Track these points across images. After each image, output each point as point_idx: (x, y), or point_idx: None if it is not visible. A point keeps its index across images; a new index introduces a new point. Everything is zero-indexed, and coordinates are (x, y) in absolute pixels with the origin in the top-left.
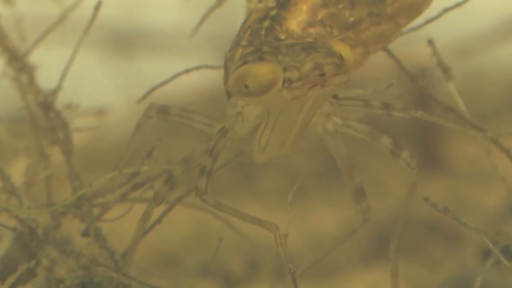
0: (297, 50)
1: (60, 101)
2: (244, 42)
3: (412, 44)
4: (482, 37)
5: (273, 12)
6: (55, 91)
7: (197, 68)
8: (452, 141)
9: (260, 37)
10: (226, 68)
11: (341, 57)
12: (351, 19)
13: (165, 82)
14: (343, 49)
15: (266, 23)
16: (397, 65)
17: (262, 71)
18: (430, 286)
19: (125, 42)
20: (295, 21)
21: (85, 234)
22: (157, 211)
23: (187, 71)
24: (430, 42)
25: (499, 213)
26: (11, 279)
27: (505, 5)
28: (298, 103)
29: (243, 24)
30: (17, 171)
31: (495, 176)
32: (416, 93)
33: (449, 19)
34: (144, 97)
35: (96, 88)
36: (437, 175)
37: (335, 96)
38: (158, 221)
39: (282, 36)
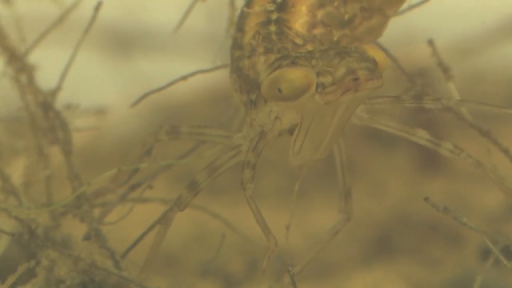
0: (331, 55)
1: (60, 101)
2: (261, 49)
3: (412, 44)
4: (482, 37)
5: (274, 16)
6: (55, 91)
7: (193, 74)
8: (452, 141)
9: (275, 43)
10: (243, 76)
11: (374, 61)
12: (346, 16)
13: (160, 89)
14: (377, 53)
15: (273, 28)
16: (395, 65)
17: (296, 75)
18: (430, 286)
19: (125, 42)
20: (298, 24)
21: (87, 238)
22: (157, 211)
23: (183, 78)
24: (430, 42)
25: (499, 213)
26: (11, 279)
27: (505, 5)
28: (332, 107)
29: (241, 28)
30: (17, 171)
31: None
32: (415, 93)
33: (449, 19)
34: (137, 102)
35: (96, 88)
36: (437, 175)
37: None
38: (158, 221)
39: (298, 40)
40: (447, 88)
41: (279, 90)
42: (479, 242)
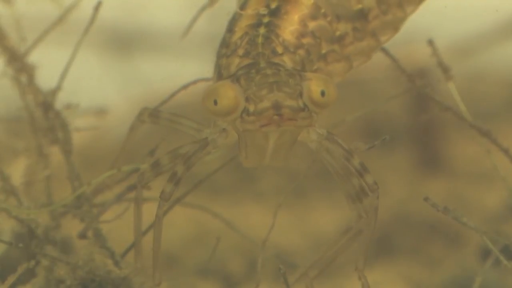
0: (267, 83)
1: (60, 101)
2: (240, 51)
3: (412, 44)
4: (482, 37)
5: (266, 20)
6: (55, 91)
7: (194, 82)
8: (452, 141)
9: (257, 47)
10: (219, 75)
11: (317, 98)
12: (337, 33)
13: (163, 102)
14: (327, 87)
15: (262, 30)
16: (395, 65)
17: (228, 94)
18: (430, 286)
19: (125, 42)
20: (288, 30)
21: (82, 235)
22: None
23: (184, 87)
24: (430, 42)
25: (499, 213)
26: (11, 279)
27: (505, 5)
28: (260, 133)
29: (231, 29)
30: (17, 171)
31: (495, 176)
32: (414, 93)
33: (449, 19)
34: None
35: (96, 88)
36: (437, 175)
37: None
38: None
39: (279, 49)
40: (447, 88)
41: (215, 102)
42: (479, 242)
